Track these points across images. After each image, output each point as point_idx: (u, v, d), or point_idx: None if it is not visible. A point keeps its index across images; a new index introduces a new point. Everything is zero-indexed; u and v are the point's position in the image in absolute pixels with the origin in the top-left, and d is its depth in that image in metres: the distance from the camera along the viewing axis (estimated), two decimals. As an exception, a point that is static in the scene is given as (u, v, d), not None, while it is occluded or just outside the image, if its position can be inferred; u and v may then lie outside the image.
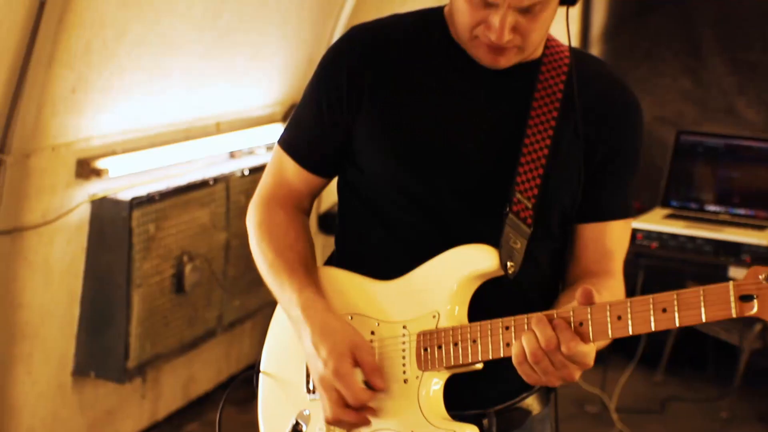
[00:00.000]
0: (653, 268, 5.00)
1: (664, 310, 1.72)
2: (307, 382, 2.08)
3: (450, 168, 2.00)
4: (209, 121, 4.43)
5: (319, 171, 2.15)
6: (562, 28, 2.03)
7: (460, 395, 1.98)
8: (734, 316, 1.68)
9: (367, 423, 1.97)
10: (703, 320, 1.70)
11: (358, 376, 1.95)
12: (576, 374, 1.80)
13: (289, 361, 2.13)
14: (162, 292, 4.11)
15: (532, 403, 2.10)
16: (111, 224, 3.90)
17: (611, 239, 2.05)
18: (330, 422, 1.97)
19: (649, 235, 4.79)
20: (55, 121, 3.62)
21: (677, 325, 1.72)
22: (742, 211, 5.00)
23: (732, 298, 1.67)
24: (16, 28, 3.32)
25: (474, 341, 1.89)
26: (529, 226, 1.97)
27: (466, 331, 1.91)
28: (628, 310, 1.74)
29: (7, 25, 3.28)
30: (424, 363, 1.95)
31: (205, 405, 4.76)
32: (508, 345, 1.85)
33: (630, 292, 2.05)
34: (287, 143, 2.16)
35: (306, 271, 2.09)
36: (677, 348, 5.40)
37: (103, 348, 3.99)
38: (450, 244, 1.97)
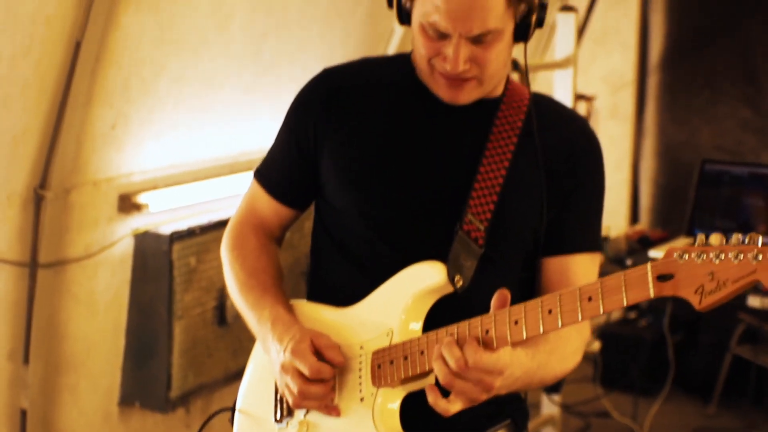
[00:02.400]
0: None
1: (590, 299, 1.78)
2: (275, 412, 2.14)
3: (408, 195, 2.08)
4: (251, 156, 4.51)
5: (288, 202, 2.26)
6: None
7: (427, 420, 2.00)
8: (652, 296, 1.74)
9: (331, 394, 2.02)
10: (625, 304, 1.76)
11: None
12: (495, 382, 1.84)
13: (262, 395, 2.19)
14: (204, 324, 4.19)
15: None
16: (153, 257, 4.00)
17: (576, 273, 2.10)
18: (296, 404, 2.03)
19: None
20: (95, 157, 3.73)
21: (601, 311, 1.78)
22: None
23: (650, 278, 1.72)
24: (53, 66, 3.44)
25: (422, 352, 1.95)
26: (480, 246, 2.04)
27: (415, 344, 1.97)
28: (558, 302, 1.81)
29: (45, 64, 3.40)
30: (378, 379, 2.01)
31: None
32: None
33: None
34: (261, 174, 2.29)
35: (277, 292, 2.17)
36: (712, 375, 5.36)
37: (147, 378, 4.08)
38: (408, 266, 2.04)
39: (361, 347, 2.05)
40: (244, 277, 2.20)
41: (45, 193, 3.57)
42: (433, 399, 1.87)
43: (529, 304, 1.85)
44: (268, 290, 2.17)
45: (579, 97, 6.07)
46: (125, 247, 3.99)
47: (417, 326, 2.02)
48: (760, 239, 1.67)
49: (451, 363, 1.83)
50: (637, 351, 5.41)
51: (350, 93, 2.15)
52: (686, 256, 1.72)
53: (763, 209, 5.02)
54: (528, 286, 2.14)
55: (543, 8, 2.04)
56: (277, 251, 2.30)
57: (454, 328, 1.91)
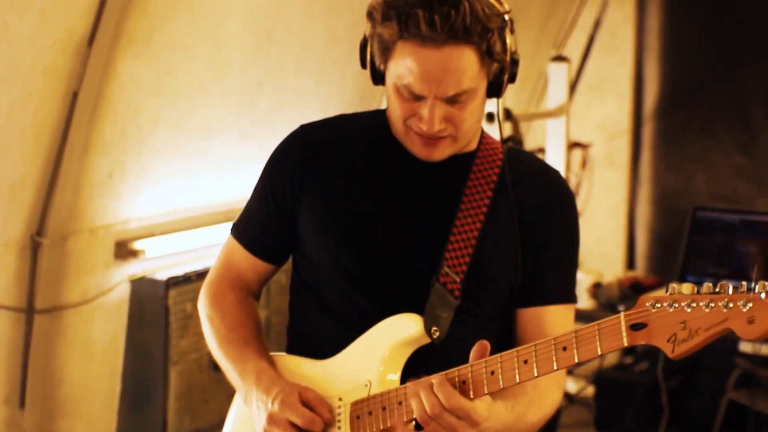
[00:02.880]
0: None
1: (565, 349, 1.82)
2: None
3: (385, 249, 2.11)
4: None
5: (265, 257, 2.28)
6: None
7: None
8: (626, 345, 1.77)
9: None
10: (599, 353, 1.79)
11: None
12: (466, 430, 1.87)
13: None
14: (200, 369, 4.23)
15: None
16: (149, 303, 4.05)
17: (551, 323, 2.13)
18: None
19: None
20: (92, 204, 3.79)
21: (576, 360, 1.82)
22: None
23: (623, 328, 1.76)
24: (51, 116, 3.51)
25: (399, 403, 1.98)
26: (456, 298, 2.07)
27: (393, 395, 2.00)
28: (533, 353, 1.85)
29: (42, 114, 3.47)
30: (357, 430, 2.03)
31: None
32: None
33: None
34: (237, 230, 2.29)
35: (259, 345, 2.20)
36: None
37: (143, 423, 4.12)
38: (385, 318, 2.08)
39: (340, 399, 2.07)
40: (225, 331, 2.21)
41: (42, 240, 3.63)
42: None
43: (505, 354, 1.89)
44: (250, 344, 2.18)
45: (574, 144, 6.14)
46: (122, 292, 4.04)
47: (395, 377, 2.05)
48: (731, 287, 1.71)
49: (427, 406, 1.87)
50: (632, 395, 5.43)
51: (327, 149, 2.19)
52: (659, 306, 1.75)
53: (755, 255, 5.06)
54: (505, 337, 2.16)
55: (515, 64, 2.08)
56: (255, 306, 2.32)
57: (431, 379, 1.94)
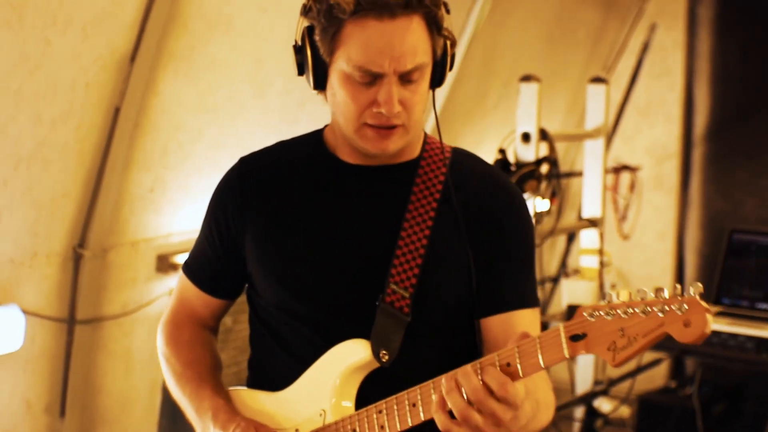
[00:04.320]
0: (705, 365, 5.05)
1: (508, 365, 1.78)
2: None
3: (328, 276, 2.06)
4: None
5: (215, 293, 2.25)
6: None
7: None
8: (567, 356, 1.74)
9: None
10: (543, 365, 1.76)
11: None
12: (506, 416, 1.79)
13: None
14: (239, 382, 4.25)
15: None
16: (189, 316, 4.11)
17: (522, 327, 2.01)
18: None
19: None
20: (133, 218, 3.88)
21: (521, 375, 1.78)
22: (793, 310, 4.91)
23: (563, 339, 1.73)
24: (93, 131, 3.60)
25: (354, 430, 1.97)
26: (406, 315, 2.01)
27: (347, 422, 1.99)
28: (479, 369, 1.80)
29: (84, 129, 3.56)
30: None
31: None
32: (382, 428, 1.92)
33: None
34: (187, 267, 2.27)
35: (215, 382, 2.18)
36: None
37: (182, 435, 4.18)
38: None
39: (296, 430, 2.07)
40: (181, 369, 2.19)
41: (84, 252, 3.72)
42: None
43: (447, 376, 1.84)
44: (206, 380, 2.16)
45: (623, 167, 6.15)
46: (162, 305, 4.11)
47: (349, 404, 2.02)
48: (666, 291, 1.67)
49: (468, 392, 1.78)
50: (672, 419, 5.40)
51: (264, 178, 2.14)
52: (596, 314, 1.71)
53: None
54: (459, 354, 2.05)
55: (453, 45, 2.03)
56: (212, 340, 2.30)
57: (382, 405, 1.93)
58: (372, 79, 1.96)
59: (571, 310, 4.87)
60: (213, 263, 2.21)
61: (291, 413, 2.08)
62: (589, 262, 5.07)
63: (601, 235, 5.07)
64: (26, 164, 3.40)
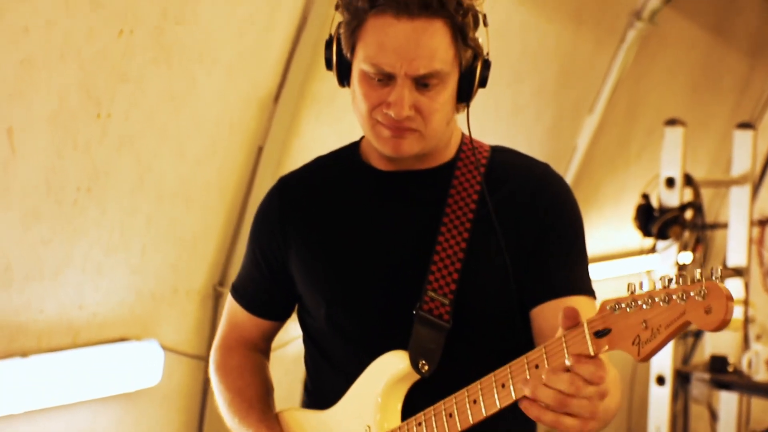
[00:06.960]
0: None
1: (537, 366, 1.71)
2: None
3: (366, 288, 2.05)
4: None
5: (265, 315, 2.26)
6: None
7: None
8: (592, 354, 1.66)
9: None
10: (569, 364, 1.67)
11: None
12: (600, 401, 1.70)
13: None
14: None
15: None
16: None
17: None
18: None
19: None
20: (273, 258, 3.89)
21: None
22: None
23: (587, 336, 1.65)
24: (235, 169, 3.64)
25: None
26: (446, 322, 1.97)
27: None
28: (509, 373, 1.76)
29: (227, 167, 3.60)
30: None
31: None
32: None
33: None
34: (235, 290, 2.28)
35: (262, 407, 2.18)
36: None
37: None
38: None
39: None
40: (230, 397, 2.21)
41: (224, 290, 3.74)
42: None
43: (479, 382, 1.81)
44: (253, 406, 2.17)
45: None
46: (300, 347, 4.10)
47: (394, 416, 2.00)
48: (689, 278, 1.58)
49: (564, 386, 1.67)
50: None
51: (302, 194, 2.14)
52: (619, 307, 1.64)
53: None
54: (500, 357, 1.90)
55: (487, 66, 1.98)
56: (263, 363, 2.31)
57: (421, 416, 1.91)
58: (385, 78, 1.93)
59: (715, 361, 4.74)
60: (259, 285, 2.22)
61: (340, 429, 2.06)
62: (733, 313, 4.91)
63: (746, 285, 4.92)
64: (170, 201, 3.45)
